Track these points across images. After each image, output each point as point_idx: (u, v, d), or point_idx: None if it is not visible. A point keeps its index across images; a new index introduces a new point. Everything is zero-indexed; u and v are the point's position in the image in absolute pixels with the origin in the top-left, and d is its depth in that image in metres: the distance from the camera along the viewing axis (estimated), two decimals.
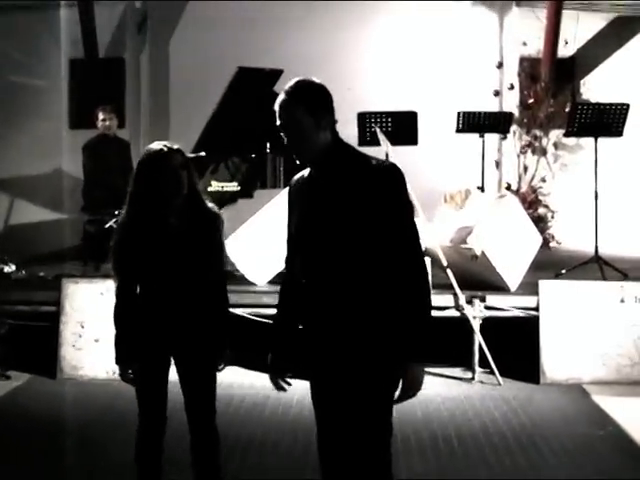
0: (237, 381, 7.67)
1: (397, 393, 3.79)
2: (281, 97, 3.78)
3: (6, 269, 9.45)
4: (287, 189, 4.06)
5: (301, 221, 3.88)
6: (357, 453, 3.85)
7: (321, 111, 3.74)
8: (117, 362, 4.59)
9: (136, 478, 4.68)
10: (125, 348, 4.55)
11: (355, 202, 3.68)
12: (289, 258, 4.04)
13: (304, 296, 3.91)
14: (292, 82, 3.81)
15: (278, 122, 3.77)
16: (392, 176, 3.73)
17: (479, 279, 8.27)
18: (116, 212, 8.68)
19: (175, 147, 4.54)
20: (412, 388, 3.76)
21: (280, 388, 4.05)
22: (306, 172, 3.92)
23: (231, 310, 7.35)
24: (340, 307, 3.75)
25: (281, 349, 4.06)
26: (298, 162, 3.84)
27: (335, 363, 3.80)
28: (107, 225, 9.23)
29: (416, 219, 3.86)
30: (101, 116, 10.07)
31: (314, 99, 3.75)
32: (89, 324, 7.90)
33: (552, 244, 12.09)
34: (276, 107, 3.78)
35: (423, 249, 3.88)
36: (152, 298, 4.55)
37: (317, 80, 3.83)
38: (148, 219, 4.50)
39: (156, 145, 4.55)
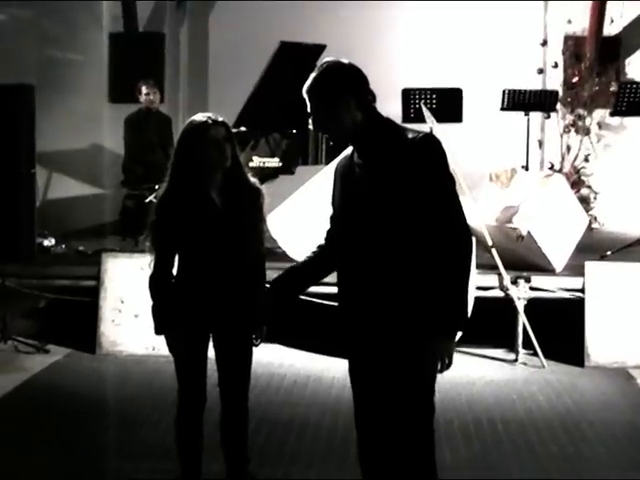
0: (277, 360, 7.63)
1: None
2: (306, 83, 3.75)
3: (45, 243, 9.45)
4: (331, 166, 4.04)
5: (342, 200, 3.84)
6: (397, 433, 3.79)
7: (345, 95, 3.68)
8: (157, 332, 4.49)
9: (176, 453, 4.64)
10: (164, 317, 4.45)
11: (393, 178, 3.61)
12: (329, 233, 4.01)
13: (341, 274, 3.86)
14: (318, 67, 3.76)
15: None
16: (427, 148, 3.64)
17: (524, 259, 8.13)
18: (156, 187, 8.64)
19: (220, 119, 4.46)
20: (442, 363, 3.70)
21: None
22: (350, 150, 3.87)
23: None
24: (381, 284, 3.67)
25: None
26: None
27: (374, 340, 3.74)
28: (146, 200, 9.17)
29: (461, 197, 3.77)
30: (144, 90, 9.95)
31: (336, 84, 3.69)
32: (128, 300, 7.85)
33: (594, 225, 11.90)
34: (303, 92, 3.76)
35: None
36: (192, 272, 4.47)
37: (345, 61, 3.76)
38: (189, 192, 4.41)
39: (200, 117, 4.46)
